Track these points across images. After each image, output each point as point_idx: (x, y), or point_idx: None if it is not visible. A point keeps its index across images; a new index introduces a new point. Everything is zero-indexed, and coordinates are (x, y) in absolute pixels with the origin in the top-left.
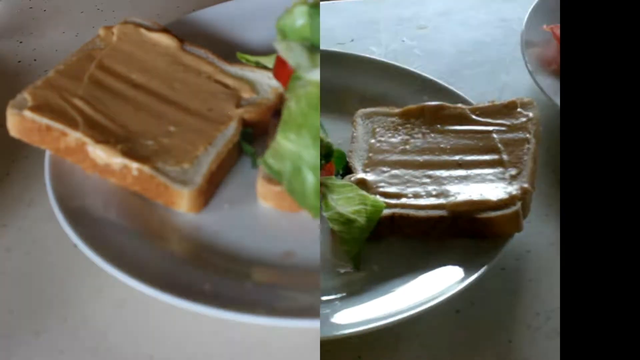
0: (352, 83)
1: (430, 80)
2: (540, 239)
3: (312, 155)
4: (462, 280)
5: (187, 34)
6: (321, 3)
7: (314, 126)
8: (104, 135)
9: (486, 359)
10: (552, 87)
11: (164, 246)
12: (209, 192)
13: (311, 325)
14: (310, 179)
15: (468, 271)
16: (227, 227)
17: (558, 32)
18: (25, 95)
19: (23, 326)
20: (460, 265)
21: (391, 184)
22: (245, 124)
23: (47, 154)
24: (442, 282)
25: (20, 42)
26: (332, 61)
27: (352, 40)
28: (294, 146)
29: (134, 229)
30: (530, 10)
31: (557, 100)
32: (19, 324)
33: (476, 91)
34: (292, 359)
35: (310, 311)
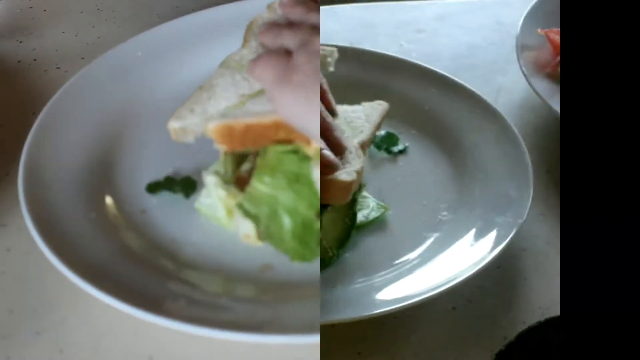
0: (366, 77)
1: (438, 74)
2: (535, 238)
3: (288, 198)
4: (477, 263)
5: (186, 34)
6: (321, 7)
7: (289, 169)
8: None
9: (482, 355)
10: (546, 90)
11: (139, 260)
12: None
13: (289, 342)
14: (287, 222)
15: (481, 254)
16: (204, 240)
17: (552, 36)
18: None
19: (23, 326)
20: (472, 249)
21: None
22: None
23: (21, 172)
24: (451, 269)
25: (20, 42)
26: (344, 56)
27: (352, 44)
28: (269, 189)
29: (109, 243)
30: (525, 14)
31: (551, 103)
32: (19, 323)
33: None
34: (292, 358)
35: (288, 327)
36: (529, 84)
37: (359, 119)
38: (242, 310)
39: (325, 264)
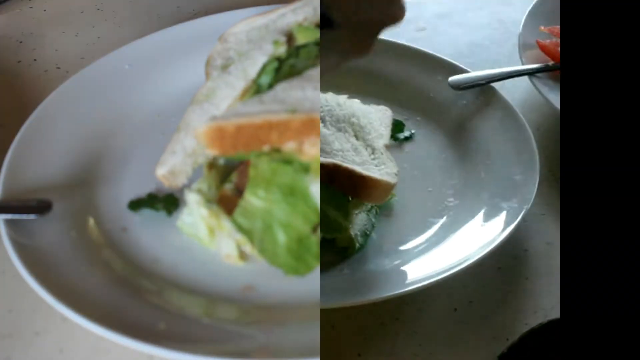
0: (371, 65)
1: (444, 61)
2: (537, 238)
3: (283, 212)
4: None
5: (170, 47)
6: None
7: (283, 182)
8: None
9: (484, 357)
10: (549, 89)
11: (119, 282)
12: None
13: None
14: (282, 236)
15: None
16: (185, 259)
17: (547, 43)
18: None
19: (23, 326)
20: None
21: None
22: None
23: (0, 187)
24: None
25: (20, 42)
26: None
27: None
28: (263, 203)
29: (89, 262)
30: (527, 12)
31: (554, 101)
32: (19, 323)
33: None
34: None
35: (269, 351)
36: (532, 82)
37: (375, 121)
38: (226, 334)
39: (350, 252)
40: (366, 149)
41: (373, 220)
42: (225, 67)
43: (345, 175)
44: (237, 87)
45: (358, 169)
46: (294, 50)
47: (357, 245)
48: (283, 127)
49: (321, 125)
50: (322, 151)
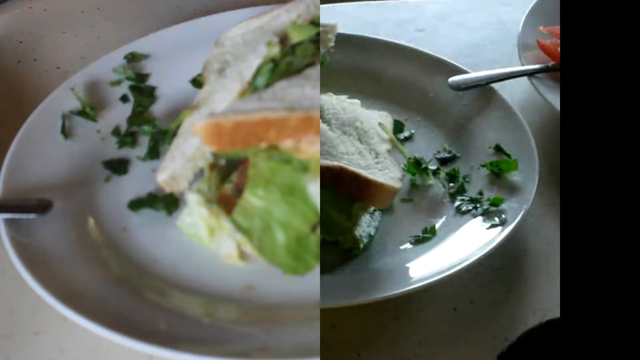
0: (372, 65)
1: (444, 61)
2: (537, 238)
3: (282, 212)
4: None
5: (171, 46)
6: (321, 6)
7: (282, 182)
8: None
9: (483, 357)
10: (548, 89)
11: (119, 282)
12: None
13: None
14: (281, 236)
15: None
16: (185, 259)
17: (547, 44)
18: None
19: (23, 326)
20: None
21: None
22: None
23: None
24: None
25: (20, 42)
26: (360, 46)
27: None
28: (262, 202)
29: (89, 262)
30: (526, 12)
31: (554, 102)
32: (19, 323)
33: None
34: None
35: (268, 351)
36: (531, 83)
37: (377, 126)
38: (226, 334)
39: (355, 253)
40: (370, 153)
41: (375, 221)
42: (221, 71)
43: (351, 179)
44: (234, 90)
45: (363, 172)
46: (289, 49)
47: (362, 246)
48: (281, 124)
49: (327, 128)
50: (328, 154)
